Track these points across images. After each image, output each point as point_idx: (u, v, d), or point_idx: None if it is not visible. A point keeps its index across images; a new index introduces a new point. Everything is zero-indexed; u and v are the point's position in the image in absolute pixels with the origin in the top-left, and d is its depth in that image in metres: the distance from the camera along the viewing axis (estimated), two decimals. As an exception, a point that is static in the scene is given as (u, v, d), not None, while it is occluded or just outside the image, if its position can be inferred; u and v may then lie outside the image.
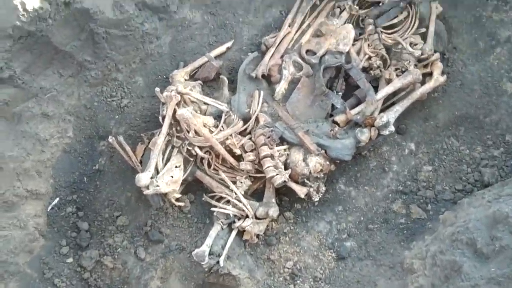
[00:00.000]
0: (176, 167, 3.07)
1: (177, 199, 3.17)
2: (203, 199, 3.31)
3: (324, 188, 3.25)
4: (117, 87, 3.54)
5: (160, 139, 3.03)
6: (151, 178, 2.97)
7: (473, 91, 3.53)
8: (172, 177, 3.02)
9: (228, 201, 3.19)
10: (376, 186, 3.38)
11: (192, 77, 3.58)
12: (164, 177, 2.99)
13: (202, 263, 2.90)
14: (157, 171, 3.04)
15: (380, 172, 3.41)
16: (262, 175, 3.25)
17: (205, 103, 3.32)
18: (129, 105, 3.55)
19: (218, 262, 2.94)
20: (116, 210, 3.34)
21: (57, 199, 3.32)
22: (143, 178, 2.91)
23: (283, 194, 3.37)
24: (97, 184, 3.41)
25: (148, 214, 3.29)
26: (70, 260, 3.24)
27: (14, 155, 3.02)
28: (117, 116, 3.52)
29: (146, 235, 3.27)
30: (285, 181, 3.13)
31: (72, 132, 3.41)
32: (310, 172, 3.16)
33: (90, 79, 3.39)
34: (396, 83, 3.33)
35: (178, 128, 3.15)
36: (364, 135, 3.20)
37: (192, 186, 3.36)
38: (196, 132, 3.09)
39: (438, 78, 3.45)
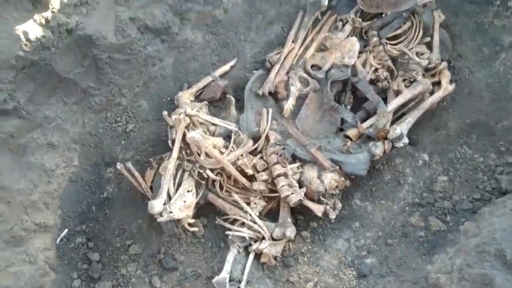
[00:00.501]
0: (188, 191, 2.99)
1: (191, 224, 3.07)
2: (216, 222, 3.22)
3: (340, 205, 3.18)
4: (122, 112, 3.47)
5: (171, 164, 2.95)
6: (164, 204, 2.87)
7: (482, 98, 3.50)
8: (185, 202, 2.94)
9: (242, 224, 3.11)
10: (392, 200, 3.30)
11: (198, 97, 3.53)
12: (177, 202, 2.90)
13: (223, 290, 2.80)
14: (169, 197, 2.95)
15: (395, 185, 3.34)
16: (276, 194, 3.17)
17: (213, 124, 3.25)
18: (134, 130, 3.47)
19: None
20: (127, 238, 3.23)
21: (66, 230, 3.21)
22: (156, 205, 2.81)
23: (298, 212, 3.28)
24: (106, 213, 3.31)
25: (161, 241, 3.19)
26: (82, 293, 3.12)
27: (21, 187, 2.92)
28: (123, 142, 3.44)
29: (160, 263, 3.16)
30: (301, 200, 3.05)
31: (78, 161, 3.32)
32: (325, 189, 3.08)
33: (94, 106, 3.32)
34: (407, 94, 3.29)
35: (188, 151, 3.07)
36: (378, 148, 3.14)
37: (204, 209, 3.27)
38: (207, 155, 3.01)
39: (447, 87, 3.42)
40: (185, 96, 3.39)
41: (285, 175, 3.07)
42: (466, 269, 2.62)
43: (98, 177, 3.38)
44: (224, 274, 2.82)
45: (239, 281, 2.86)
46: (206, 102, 3.45)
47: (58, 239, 3.17)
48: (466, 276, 2.59)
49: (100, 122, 3.40)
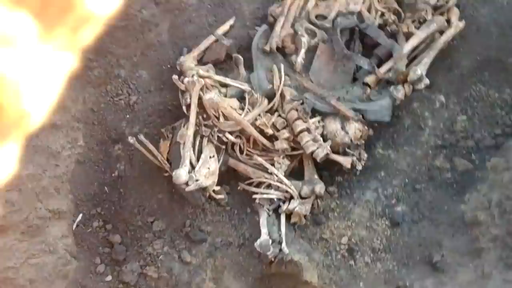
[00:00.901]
0: (210, 157, 2.82)
1: (216, 192, 2.92)
2: (238, 188, 3.07)
3: (365, 155, 3.08)
4: (122, 84, 3.24)
5: (190, 130, 2.77)
6: (189, 173, 2.70)
7: (490, 34, 3.42)
8: (209, 168, 2.78)
9: (268, 186, 2.98)
10: (415, 145, 3.22)
11: (200, 61, 3.32)
12: (201, 170, 2.74)
13: (268, 253, 2.68)
14: (191, 165, 2.78)
15: (416, 130, 3.25)
16: (297, 152, 3.05)
17: (223, 86, 3.07)
18: (138, 102, 3.25)
19: (281, 249, 2.72)
20: (149, 215, 3.05)
21: (81, 215, 3.01)
22: (182, 175, 2.64)
23: (321, 168, 3.17)
24: (121, 192, 3.11)
25: (185, 213, 3.02)
26: (109, 278, 2.94)
27: (31, 173, 2.69)
28: (127, 116, 3.22)
29: (187, 236, 3.00)
30: (327, 154, 2.94)
31: (83, 140, 3.09)
32: (351, 140, 2.97)
33: (93, 79, 3.08)
34: (421, 34, 3.18)
35: (205, 115, 2.89)
36: (400, 92, 3.04)
37: (223, 177, 3.11)
38: (225, 117, 2.84)
39: (458, 24, 3.32)
40: (189, 60, 3.19)
41: (308, 130, 2.94)
42: (506, 202, 2.59)
43: (106, 156, 3.16)
44: (265, 236, 2.70)
45: (279, 243, 2.75)
46: (210, 65, 3.25)
47: (74, 225, 2.96)
48: (508, 209, 2.55)
49: (101, 97, 3.17)
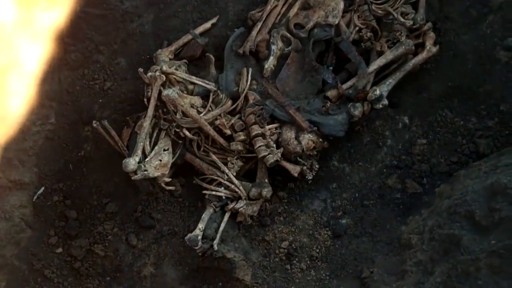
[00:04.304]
0: (164, 150, 2.97)
1: (167, 183, 3.07)
2: (194, 182, 3.22)
3: (317, 166, 3.18)
4: (99, 70, 3.40)
5: (146, 122, 2.92)
6: (139, 162, 2.86)
7: (466, 61, 3.44)
8: (160, 160, 2.93)
9: (219, 183, 3.11)
10: (370, 162, 3.31)
11: (177, 56, 3.45)
12: (152, 161, 2.89)
13: (195, 248, 2.83)
14: (144, 155, 2.93)
15: (374, 147, 3.33)
16: (254, 155, 3.16)
17: (191, 83, 3.20)
18: (112, 88, 3.41)
19: (212, 246, 2.87)
20: (104, 197, 3.24)
21: (43, 188, 3.20)
22: (130, 163, 2.80)
23: (276, 173, 3.28)
24: (83, 171, 3.30)
25: (138, 199, 3.20)
26: (59, 250, 3.14)
27: (-5, 144, 2.89)
28: (100, 100, 3.39)
29: (137, 221, 3.18)
30: (277, 160, 3.05)
31: (54, 118, 3.28)
32: (303, 150, 3.07)
33: (71, 62, 3.25)
34: (388, 55, 3.24)
35: (165, 109, 3.03)
36: (357, 109, 3.11)
37: (182, 169, 3.26)
38: (183, 113, 2.98)
39: (430, 49, 3.35)
40: (164, 54, 3.32)
41: (263, 135, 3.05)
42: (437, 230, 2.66)
43: (75, 136, 3.34)
44: (197, 232, 2.85)
45: (213, 239, 2.89)
46: (185, 61, 3.38)
47: (35, 197, 3.16)
48: (436, 236, 2.63)
49: (77, 80, 3.34)
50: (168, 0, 3.54)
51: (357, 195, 3.25)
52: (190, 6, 3.60)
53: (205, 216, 2.96)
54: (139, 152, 2.88)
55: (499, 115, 3.27)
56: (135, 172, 2.84)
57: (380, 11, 3.40)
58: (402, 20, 3.32)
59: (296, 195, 3.27)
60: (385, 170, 3.29)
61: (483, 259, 2.28)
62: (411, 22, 3.34)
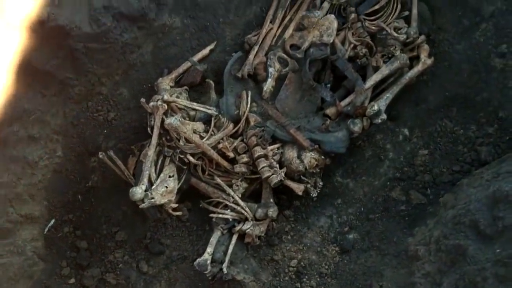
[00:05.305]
0: (169, 177, 3.03)
1: (174, 209, 3.12)
2: (200, 205, 3.27)
3: (321, 183, 3.22)
4: (103, 101, 3.49)
5: (150, 151, 2.98)
6: (145, 191, 2.92)
7: (461, 70, 3.49)
8: (166, 187, 2.98)
9: (226, 206, 3.16)
10: (373, 176, 3.34)
11: (178, 83, 3.53)
12: (158, 188, 2.95)
13: (205, 272, 2.86)
14: (151, 183, 2.99)
15: (376, 161, 3.37)
16: (258, 176, 3.21)
17: (193, 109, 3.27)
18: (116, 118, 3.49)
19: (221, 269, 2.91)
20: (113, 225, 3.29)
21: (53, 220, 3.27)
22: (137, 192, 2.86)
23: (281, 192, 3.33)
24: (92, 201, 3.36)
25: (147, 226, 3.25)
26: (72, 280, 3.19)
27: (5, 181, 2.97)
28: (105, 131, 3.47)
29: (147, 248, 3.23)
30: (281, 180, 3.09)
31: (62, 151, 3.36)
32: (305, 168, 3.12)
33: (74, 96, 3.34)
34: (384, 70, 3.30)
35: (168, 137, 3.10)
36: (357, 126, 3.16)
37: (188, 194, 3.32)
38: (186, 140, 3.04)
39: (425, 61, 3.41)
40: (165, 82, 3.40)
41: (265, 156, 3.11)
42: (443, 240, 2.68)
43: (82, 167, 3.41)
44: (206, 256, 2.89)
45: (222, 262, 2.93)
46: (186, 87, 3.46)
47: (46, 229, 3.23)
48: (443, 247, 2.65)
49: (81, 112, 3.42)
50: (166, 29, 3.62)
51: (362, 209, 3.28)
52: (188, 34, 3.69)
53: (213, 239, 3.00)
54: (145, 180, 2.94)
55: (498, 122, 3.30)
56: (142, 201, 2.89)
57: (373, 27, 3.47)
58: (396, 34, 3.38)
59: (302, 213, 3.31)
60: (388, 183, 3.33)
61: (489, 268, 2.30)
62: (405, 36, 3.40)
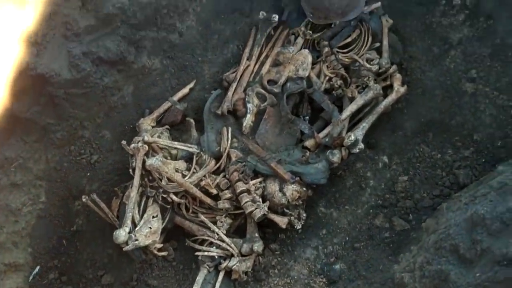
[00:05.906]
0: (153, 217, 3.04)
1: (160, 249, 3.12)
2: (186, 244, 3.27)
3: (305, 215, 3.25)
4: (85, 145, 3.52)
5: (133, 192, 3.01)
6: (129, 233, 2.92)
7: (435, 96, 3.60)
8: (150, 228, 2.99)
9: (211, 243, 3.16)
10: (356, 204, 3.39)
11: (159, 123, 3.58)
12: (142, 229, 2.95)
13: (191, 312, 2.85)
14: (134, 225, 3.00)
15: (358, 190, 3.42)
16: (242, 211, 3.23)
17: (174, 148, 3.31)
18: (99, 161, 3.52)
19: (208, 308, 2.90)
20: (99, 269, 3.27)
21: (38, 267, 3.24)
22: (120, 235, 2.86)
23: (266, 226, 3.35)
24: (77, 245, 3.35)
25: (133, 268, 3.23)
26: (58, 328, 3.15)
27: (-13, 231, 2.96)
28: (88, 174, 3.48)
29: (133, 291, 3.20)
30: (265, 214, 3.12)
31: (45, 197, 3.36)
32: (288, 201, 3.16)
33: (56, 141, 3.37)
34: (359, 101, 3.39)
35: (150, 177, 3.13)
36: (336, 156, 3.23)
37: (173, 233, 3.32)
38: (169, 179, 3.07)
39: (399, 89, 3.52)
40: (146, 123, 3.45)
41: (248, 191, 3.14)
42: (426, 266, 2.71)
43: (66, 211, 3.41)
44: (192, 296, 2.88)
45: (208, 301, 2.92)
46: (167, 127, 3.51)
47: (31, 277, 3.20)
48: (426, 273, 2.67)
49: (64, 157, 3.44)
50: (146, 71, 3.70)
51: (347, 238, 3.31)
52: (168, 74, 3.76)
53: (199, 278, 3.00)
54: (129, 222, 2.95)
55: (474, 145, 3.39)
56: (126, 243, 2.89)
57: (346, 59, 3.59)
58: (368, 66, 3.50)
59: (288, 245, 3.32)
60: (371, 210, 3.37)
61: (470, 293, 2.32)
62: (377, 67, 3.52)
